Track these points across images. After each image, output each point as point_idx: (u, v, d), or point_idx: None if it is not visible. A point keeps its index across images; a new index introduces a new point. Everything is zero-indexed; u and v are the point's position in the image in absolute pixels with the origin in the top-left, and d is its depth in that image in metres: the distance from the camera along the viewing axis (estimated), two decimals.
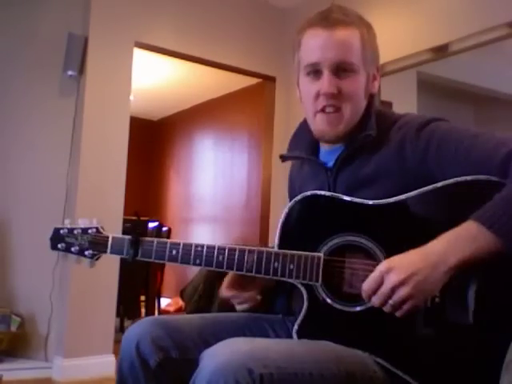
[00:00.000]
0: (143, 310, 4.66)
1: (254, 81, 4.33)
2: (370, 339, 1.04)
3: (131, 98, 3.55)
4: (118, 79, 3.43)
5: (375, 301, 0.96)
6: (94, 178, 3.27)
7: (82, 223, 1.29)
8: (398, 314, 0.95)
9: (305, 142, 1.25)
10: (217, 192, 5.62)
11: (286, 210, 1.13)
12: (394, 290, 0.93)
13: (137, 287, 4.46)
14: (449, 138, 1.05)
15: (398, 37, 3.33)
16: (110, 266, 3.26)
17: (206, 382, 0.91)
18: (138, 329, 1.18)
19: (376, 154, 1.13)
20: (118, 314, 3.80)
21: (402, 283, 0.92)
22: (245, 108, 5.02)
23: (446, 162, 1.04)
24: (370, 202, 1.07)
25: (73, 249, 1.28)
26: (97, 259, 1.27)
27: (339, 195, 1.10)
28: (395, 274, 0.92)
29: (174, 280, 5.66)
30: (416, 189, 1.03)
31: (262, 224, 4.22)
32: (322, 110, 1.14)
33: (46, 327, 3.26)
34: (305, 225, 1.12)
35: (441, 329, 0.99)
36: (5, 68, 3.48)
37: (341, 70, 1.11)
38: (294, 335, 1.09)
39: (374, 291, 0.95)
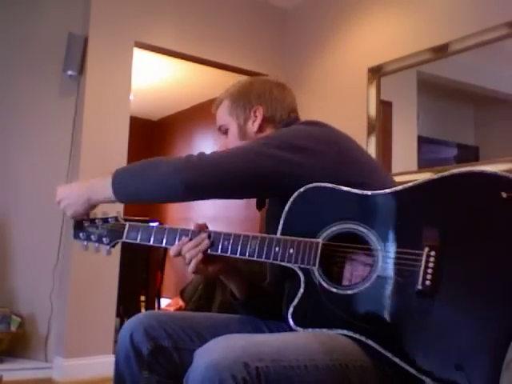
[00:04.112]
0: (143, 310, 4.66)
1: None
2: (361, 321, 1.07)
3: (131, 97, 3.55)
4: (118, 79, 3.43)
5: None
6: None
7: (104, 214, 1.38)
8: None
9: None
10: None
11: (290, 201, 1.20)
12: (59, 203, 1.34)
13: (137, 287, 4.45)
14: (262, 138, 1.29)
15: (398, 37, 3.33)
16: (110, 266, 3.26)
17: (201, 378, 0.91)
18: (132, 322, 1.26)
19: None
20: (118, 314, 3.80)
21: (59, 202, 1.34)
22: None
23: None
24: (369, 193, 1.13)
25: (92, 237, 1.37)
26: (113, 246, 1.35)
27: (340, 186, 1.16)
28: (57, 197, 1.34)
29: (174, 280, 5.66)
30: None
31: (262, 223, 4.22)
32: None
33: (46, 327, 3.27)
34: (306, 214, 1.19)
35: (431, 311, 1.00)
36: (5, 68, 3.48)
37: (223, 132, 1.47)
38: (289, 318, 1.12)
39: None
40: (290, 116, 1.43)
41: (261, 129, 1.41)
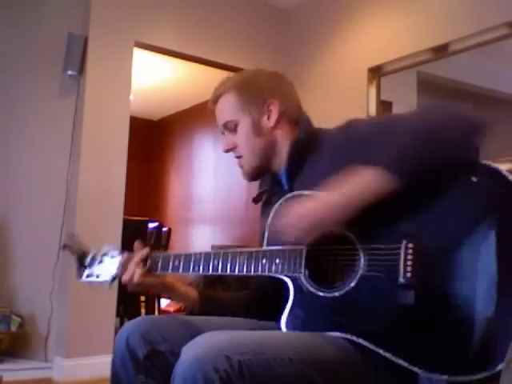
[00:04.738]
0: (143, 310, 4.65)
1: None
2: (350, 321, 1.07)
3: (131, 97, 3.55)
4: (118, 79, 3.43)
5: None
6: (94, 178, 3.27)
7: (104, 249, 1.38)
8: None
9: (268, 179, 1.42)
10: (217, 192, 5.62)
11: (272, 212, 1.22)
12: (301, 236, 1.09)
13: None
14: (370, 130, 1.19)
15: (398, 37, 3.33)
16: None
17: (185, 374, 0.93)
18: (128, 326, 1.25)
19: (318, 160, 1.25)
20: (118, 314, 3.80)
21: (306, 232, 1.08)
22: None
23: (373, 152, 1.12)
24: None
25: (94, 274, 1.38)
26: (113, 280, 1.36)
27: (316, 192, 1.16)
28: (303, 222, 1.08)
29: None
30: None
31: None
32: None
33: (46, 327, 3.27)
34: None
35: (416, 303, 1.01)
36: (5, 68, 3.48)
37: (229, 129, 1.36)
38: (283, 326, 1.12)
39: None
40: (300, 113, 1.38)
41: (276, 124, 1.34)
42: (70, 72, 3.29)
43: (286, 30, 4.18)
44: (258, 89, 1.36)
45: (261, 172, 1.37)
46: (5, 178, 3.45)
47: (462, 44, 2.92)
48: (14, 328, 3.21)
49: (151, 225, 4.69)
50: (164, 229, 4.98)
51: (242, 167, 1.37)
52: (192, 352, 0.95)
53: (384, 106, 3.40)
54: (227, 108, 1.36)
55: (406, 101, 3.36)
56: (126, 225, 3.45)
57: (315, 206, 1.08)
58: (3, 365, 3.08)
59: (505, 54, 2.79)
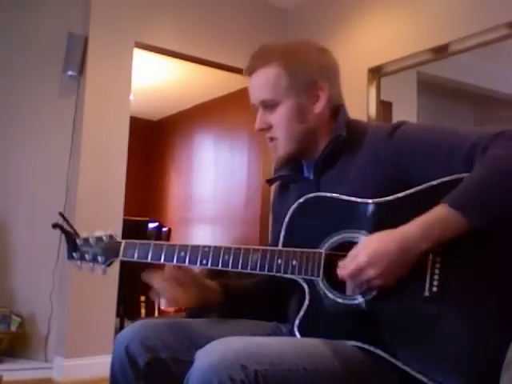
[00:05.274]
0: (143, 310, 4.65)
1: None
2: (368, 331, 1.05)
3: (131, 97, 3.55)
4: (118, 79, 3.43)
5: (349, 286, 1.05)
6: (94, 178, 3.27)
7: (98, 232, 1.31)
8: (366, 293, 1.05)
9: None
10: (217, 192, 5.61)
11: (290, 212, 1.17)
12: (369, 281, 1.02)
13: (137, 287, 4.45)
14: (419, 138, 1.13)
15: (398, 37, 3.33)
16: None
17: (200, 380, 0.92)
18: (127, 332, 1.20)
19: (353, 158, 1.18)
20: (118, 314, 3.80)
21: (377, 277, 1.01)
22: (245, 108, 4.99)
23: (419, 161, 1.10)
24: (370, 201, 1.10)
25: (87, 256, 1.30)
26: (109, 265, 1.30)
27: (340, 196, 1.13)
28: (373, 269, 1.00)
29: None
30: (388, 189, 1.09)
31: (261, 224, 4.22)
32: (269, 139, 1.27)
33: (46, 327, 3.27)
34: (307, 224, 1.15)
35: (439, 317, 0.99)
36: (6, 69, 3.49)
37: (266, 106, 1.22)
38: (296, 330, 1.10)
39: (352, 278, 1.03)
40: (340, 99, 1.28)
41: (322, 111, 1.22)
42: (70, 72, 3.29)
43: (286, 30, 4.18)
44: (308, 67, 1.20)
45: (294, 160, 1.27)
46: (5, 177, 3.45)
47: (462, 44, 2.92)
48: (14, 328, 3.22)
49: (151, 225, 4.69)
50: (164, 229, 4.98)
51: (274, 151, 1.25)
52: (207, 359, 0.93)
53: (384, 106, 3.40)
54: (269, 84, 1.20)
55: (406, 101, 3.37)
56: (126, 225, 3.45)
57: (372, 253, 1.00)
58: (3, 365, 3.08)
59: (505, 54, 2.80)
